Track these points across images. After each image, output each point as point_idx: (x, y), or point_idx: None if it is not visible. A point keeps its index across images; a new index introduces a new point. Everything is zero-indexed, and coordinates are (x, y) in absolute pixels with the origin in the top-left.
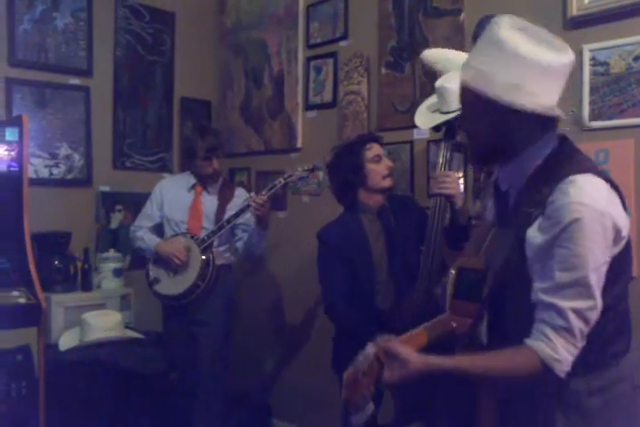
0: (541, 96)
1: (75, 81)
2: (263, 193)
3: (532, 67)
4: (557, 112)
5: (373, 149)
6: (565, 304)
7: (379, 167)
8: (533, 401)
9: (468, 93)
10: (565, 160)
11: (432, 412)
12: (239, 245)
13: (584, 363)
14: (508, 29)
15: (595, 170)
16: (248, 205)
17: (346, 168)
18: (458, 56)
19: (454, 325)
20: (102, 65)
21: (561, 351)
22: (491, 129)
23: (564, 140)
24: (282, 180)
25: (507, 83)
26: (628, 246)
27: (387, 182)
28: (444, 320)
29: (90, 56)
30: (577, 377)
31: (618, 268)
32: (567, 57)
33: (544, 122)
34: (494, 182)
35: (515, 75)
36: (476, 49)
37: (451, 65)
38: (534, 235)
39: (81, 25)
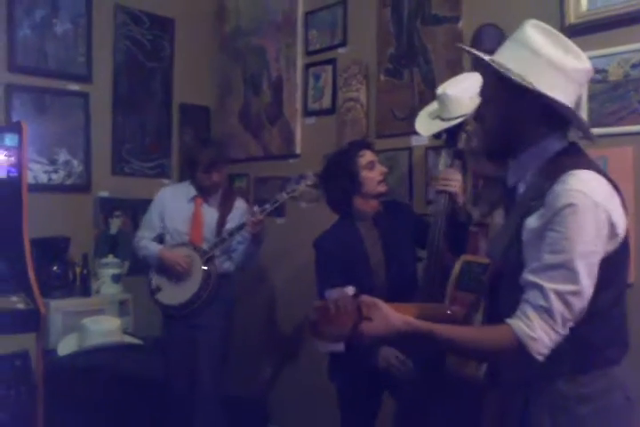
0: (555, 90)
1: (74, 87)
2: (266, 207)
3: (549, 66)
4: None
5: (366, 156)
6: (548, 285)
7: (373, 174)
8: (525, 400)
9: (498, 82)
10: (570, 159)
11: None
12: (235, 255)
13: (572, 364)
14: (532, 30)
15: (598, 169)
16: (245, 223)
17: (340, 176)
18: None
19: (449, 313)
20: (101, 71)
21: (538, 331)
22: (503, 124)
23: (572, 144)
24: (285, 195)
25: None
26: (623, 249)
27: (382, 187)
28: (441, 306)
29: (89, 62)
30: (565, 378)
31: (611, 270)
32: (584, 64)
33: (549, 121)
34: (502, 180)
35: (534, 71)
36: (503, 47)
37: None
38: (532, 222)
39: (80, 31)
